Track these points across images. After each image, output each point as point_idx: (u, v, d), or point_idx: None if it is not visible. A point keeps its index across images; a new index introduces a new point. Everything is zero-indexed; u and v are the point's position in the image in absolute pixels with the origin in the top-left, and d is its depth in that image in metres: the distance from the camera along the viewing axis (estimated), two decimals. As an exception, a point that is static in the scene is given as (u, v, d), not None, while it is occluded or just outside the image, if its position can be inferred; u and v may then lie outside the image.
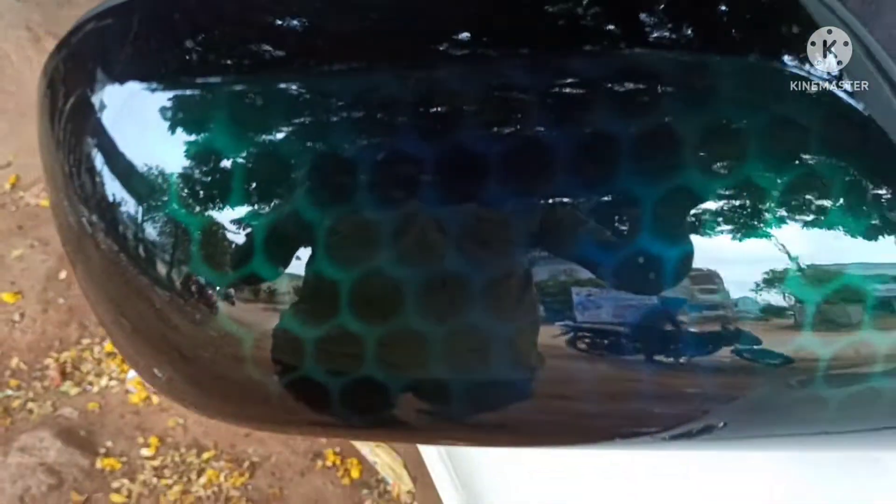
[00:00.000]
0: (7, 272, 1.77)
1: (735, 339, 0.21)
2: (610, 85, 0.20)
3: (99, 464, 1.48)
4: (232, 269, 0.21)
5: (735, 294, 0.20)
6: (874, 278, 0.20)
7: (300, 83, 0.21)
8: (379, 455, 1.53)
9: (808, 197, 0.20)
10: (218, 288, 0.21)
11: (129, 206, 0.22)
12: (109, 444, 1.52)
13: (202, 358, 0.23)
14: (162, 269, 0.22)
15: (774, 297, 0.20)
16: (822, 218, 0.20)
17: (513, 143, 0.19)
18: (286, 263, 0.21)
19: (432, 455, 0.79)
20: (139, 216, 0.22)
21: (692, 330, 0.20)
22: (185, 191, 0.21)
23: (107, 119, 0.22)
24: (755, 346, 0.21)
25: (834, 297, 0.20)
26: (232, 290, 0.21)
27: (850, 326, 0.21)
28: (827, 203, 0.20)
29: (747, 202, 0.20)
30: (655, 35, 0.20)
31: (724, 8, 0.20)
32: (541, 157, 0.19)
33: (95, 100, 0.22)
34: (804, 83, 0.20)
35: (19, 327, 1.68)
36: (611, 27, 0.20)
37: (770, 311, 0.20)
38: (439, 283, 0.20)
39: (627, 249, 0.20)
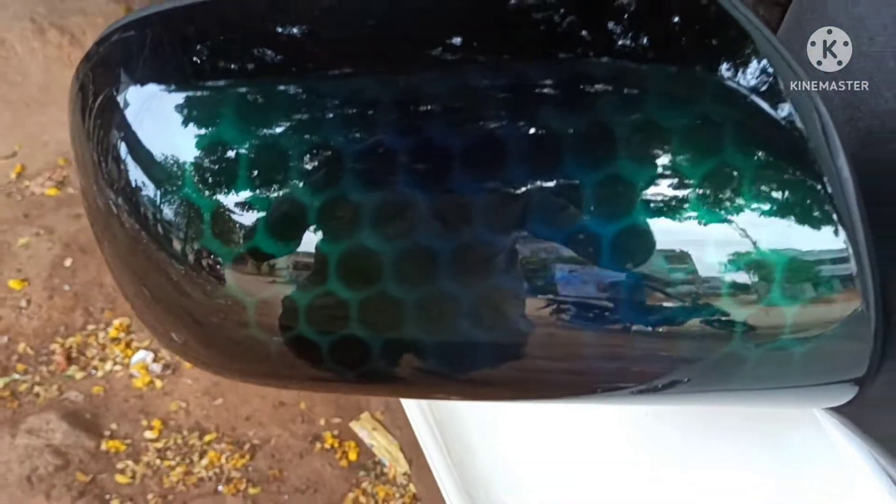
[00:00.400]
0: (13, 260, 1.76)
1: (663, 308, 0.23)
2: (557, 87, 0.22)
3: (104, 445, 1.48)
4: (237, 244, 0.23)
5: (666, 268, 0.22)
6: (783, 253, 0.23)
7: (295, 85, 0.23)
8: (376, 438, 1.54)
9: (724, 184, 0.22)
10: (225, 260, 0.24)
11: (149, 190, 0.24)
12: (114, 426, 1.52)
13: (212, 322, 0.25)
14: (177, 244, 0.24)
15: (698, 270, 0.23)
16: (742, 202, 0.23)
17: (472, 137, 0.22)
18: (283, 239, 0.23)
19: (427, 438, 0.80)
20: (158, 199, 0.24)
21: (627, 298, 0.23)
22: (197, 177, 0.23)
23: (130, 115, 0.24)
24: (683, 314, 0.23)
25: (746, 267, 0.23)
26: (237, 262, 0.24)
27: (761, 295, 0.23)
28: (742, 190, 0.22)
29: (677, 190, 0.22)
30: (599, 44, 0.22)
31: (662, 23, 0.22)
32: (495, 149, 0.22)
33: (120, 99, 0.25)
34: (727, 88, 0.22)
35: (26, 313, 1.67)
36: (562, 39, 0.22)
37: (692, 282, 0.23)
38: (411, 256, 0.22)
39: (573, 227, 0.22)
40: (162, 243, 0.25)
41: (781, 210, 0.22)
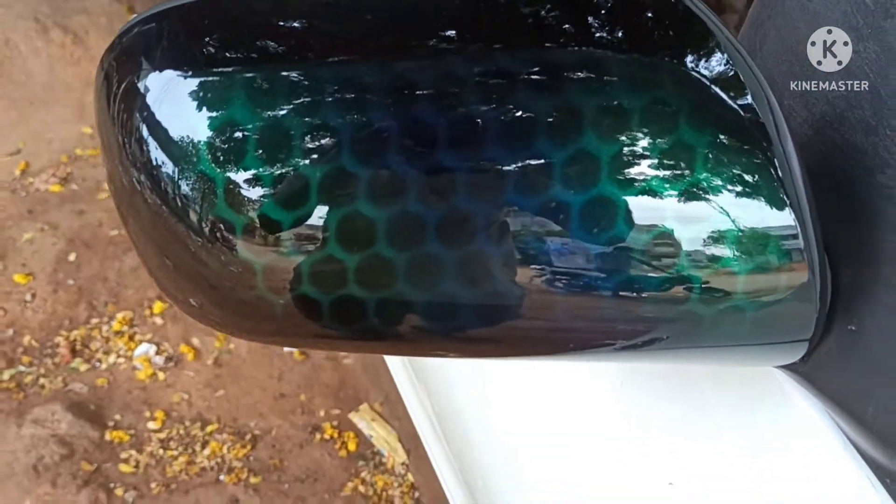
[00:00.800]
0: (18, 255, 1.78)
1: (627, 273, 0.25)
2: (534, 74, 0.24)
3: (108, 436, 1.50)
4: (247, 214, 0.26)
5: (630, 236, 0.24)
6: (735, 226, 0.25)
7: (297, 72, 0.25)
8: (375, 429, 1.55)
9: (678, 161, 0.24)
10: (237, 228, 0.26)
11: (169, 167, 0.26)
12: (118, 417, 1.54)
13: (226, 285, 0.27)
14: (194, 216, 0.26)
15: (655, 238, 0.25)
16: (695, 176, 0.24)
17: (455, 117, 0.24)
18: (288, 208, 0.25)
19: (427, 429, 0.81)
20: (176, 175, 0.26)
21: (589, 265, 0.25)
22: (211, 154, 0.25)
23: (150, 100, 0.26)
24: (647, 279, 0.25)
25: (703, 237, 0.25)
26: (247, 230, 0.26)
27: (716, 262, 0.25)
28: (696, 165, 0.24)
29: (642, 166, 0.24)
30: (569, 35, 0.24)
31: (635, 18, 0.24)
32: (476, 128, 0.24)
33: (141, 85, 0.27)
34: (689, 76, 0.24)
35: (31, 307, 1.69)
36: (536, 30, 0.24)
37: (653, 250, 0.25)
38: (401, 222, 0.25)
39: (545, 197, 0.24)
40: (181, 215, 0.27)
41: (735, 187, 0.24)
